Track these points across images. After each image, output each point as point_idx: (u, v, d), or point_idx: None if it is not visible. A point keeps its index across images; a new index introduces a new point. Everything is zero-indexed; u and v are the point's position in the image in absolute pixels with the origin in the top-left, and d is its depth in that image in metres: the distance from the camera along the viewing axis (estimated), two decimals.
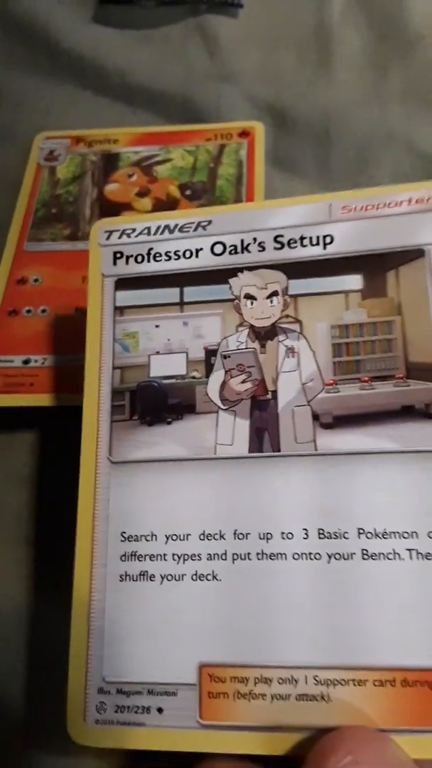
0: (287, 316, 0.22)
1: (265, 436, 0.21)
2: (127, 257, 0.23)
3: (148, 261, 0.23)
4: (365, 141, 0.35)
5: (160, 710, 0.19)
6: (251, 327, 0.22)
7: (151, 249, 0.23)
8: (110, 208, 0.33)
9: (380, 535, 0.19)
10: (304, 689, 0.19)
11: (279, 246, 0.23)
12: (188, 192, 0.33)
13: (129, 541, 0.21)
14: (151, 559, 0.21)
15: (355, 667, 0.19)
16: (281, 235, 0.23)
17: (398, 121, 0.35)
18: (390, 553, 0.19)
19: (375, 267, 0.22)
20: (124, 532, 0.21)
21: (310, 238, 0.22)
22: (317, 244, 0.22)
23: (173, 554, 0.21)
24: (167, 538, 0.21)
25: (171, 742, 0.19)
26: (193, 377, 0.22)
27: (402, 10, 0.38)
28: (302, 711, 0.19)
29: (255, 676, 0.19)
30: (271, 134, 0.37)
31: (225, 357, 0.22)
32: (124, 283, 0.23)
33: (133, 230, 0.24)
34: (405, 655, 0.19)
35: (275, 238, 0.23)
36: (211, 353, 0.22)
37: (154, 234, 0.24)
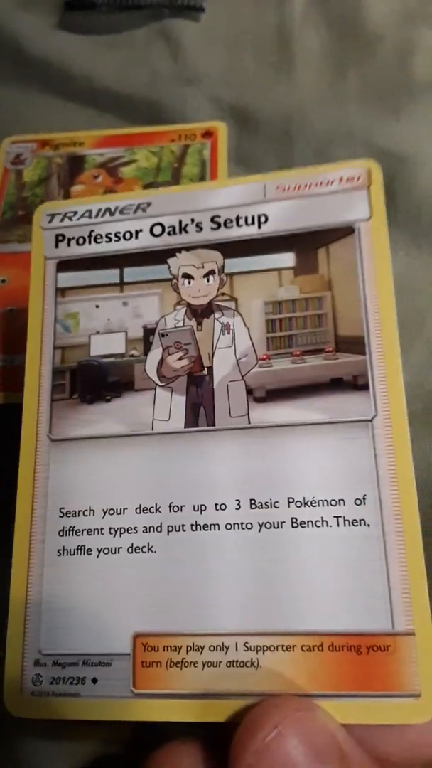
0: (223, 294, 0.23)
1: (201, 411, 0.22)
2: (69, 240, 0.24)
3: (89, 243, 0.24)
4: (326, 140, 0.36)
5: (94, 680, 0.20)
6: (188, 305, 0.23)
7: (92, 231, 0.24)
8: None
9: (309, 504, 0.20)
10: (234, 656, 0.19)
11: (216, 226, 0.23)
12: None
13: (67, 516, 0.21)
14: (88, 534, 0.21)
15: (283, 632, 0.19)
16: (218, 216, 0.23)
17: (357, 119, 0.36)
18: (318, 521, 0.20)
19: (307, 245, 0.22)
20: (63, 508, 0.21)
21: (246, 218, 0.23)
22: (252, 223, 0.23)
23: (110, 528, 0.21)
24: (105, 513, 0.21)
25: (105, 712, 0.20)
26: (132, 355, 0.23)
27: (360, 11, 0.39)
28: (233, 678, 0.19)
29: (187, 644, 0.20)
30: (234, 134, 0.38)
31: (163, 335, 0.22)
32: (65, 265, 0.24)
33: (75, 213, 0.24)
34: (332, 621, 0.19)
35: (212, 219, 0.23)
36: (149, 332, 0.23)
37: (96, 216, 0.24)
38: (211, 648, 0.20)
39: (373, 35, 0.39)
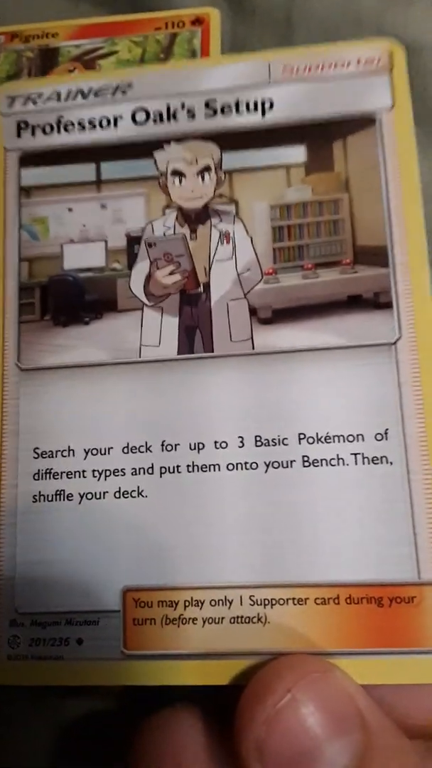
0: (221, 195, 0.20)
1: (196, 334, 0.19)
2: (34, 127, 0.20)
3: (59, 132, 0.20)
4: (331, 27, 0.31)
5: (79, 641, 0.18)
6: (180, 209, 0.19)
7: (61, 117, 0.20)
8: None
9: (323, 440, 0.18)
10: (239, 611, 0.17)
11: (211, 113, 0.20)
12: None
13: (43, 457, 0.19)
14: (68, 477, 0.19)
15: (294, 584, 0.17)
16: (213, 100, 0.20)
17: (367, 3, 0.32)
18: (333, 459, 0.18)
19: (320, 137, 0.19)
20: (37, 448, 0.19)
21: (247, 104, 0.20)
22: (255, 110, 0.20)
23: (93, 470, 0.19)
24: (86, 453, 0.19)
25: (93, 676, 0.18)
26: (114, 269, 0.20)
27: None
28: (238, 635, 0.17)
29: (185, 599, 0.18)
30: (228, 21, 0.34)
31: (150, 245, 0.19)
32: (30, 159, 0.20)
33: (40, 95, 0.21)
34: (350, 570, 0.17)
35: (207, 104, 0.20)
36: (133, 241, 0.19)
37: (65, 100, 0.20)
38: (213, 603, 0.18)
39: None
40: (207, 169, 0.20)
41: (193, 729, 0.18)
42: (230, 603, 0.18)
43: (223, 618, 0.18)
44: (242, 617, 0.18)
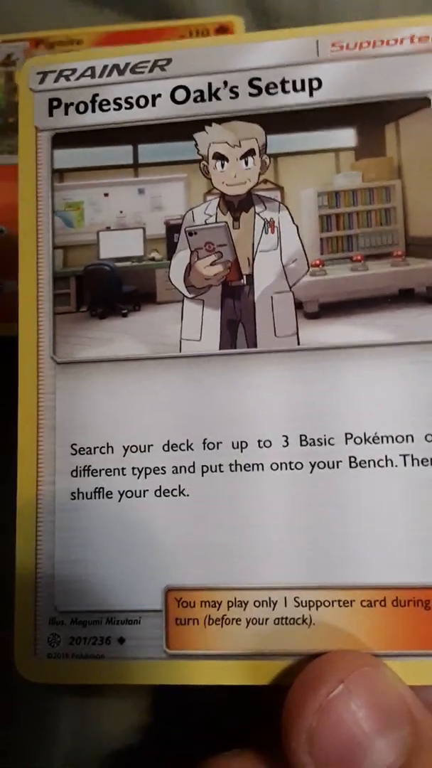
0: (266, 181, 0.19)
1: (239, 329, 0.19)
2: (67, 105, 0.20)
3: (93, 110, 0.20)
4: None
5: (121, 640, 0.18)
6: (222, 195, 0.19)
7: (96, 95, 0.20)
8: None
9: (371, 440, 0.18)
10: (283, 612, 0.18)
11: (255, 92, 0.20)
12: None
13: (81, 454, 0.19)
14: (107, 474, 0.19)
15: (340, 586, 0.18)
16: (258, 78, 0.20)
17: (392, 10, 0.32)
18: (381, 460, 0.18)
19: (371, 119, 0.19)
20: (75, 444, 0.19)
21: (293, 82, 0.19)
22: (302, 89, 0.19)
23: (133, 468, 0.19)
24: (125, 450, 0.19)
25: (134, 675, 0.19)
26: (153, 259, 0.20)
27: None
28: (282, 636, 0.18)
29: (228, 599, 0.18)
30: (252, 29, 0.35)
31: (191, 234, 0.19)
32: (63, 139, 0.20)
33: (73, 71, 0.20)
34: (397, 573, 0.18)
35: (250, 82, 0.20)
36: (173, 229, 0.20)
37: (100, 76, 0.20)
38: (257, 603, 0.18)
39: None
40: (251, 152, 0.20)
41: None
42: (274, 604, 0.19)
43: (267, 619, 0.19)
44: (287, 618, 0.19)
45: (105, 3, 0.37)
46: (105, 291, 0.21)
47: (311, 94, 0.20)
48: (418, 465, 0.19)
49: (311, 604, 0.19)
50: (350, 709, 0.17)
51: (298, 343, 0.20)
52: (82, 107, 0.21)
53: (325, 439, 0.19)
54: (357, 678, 0.17)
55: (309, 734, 0.17)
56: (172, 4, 0.36)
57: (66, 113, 0.21)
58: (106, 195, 0.21)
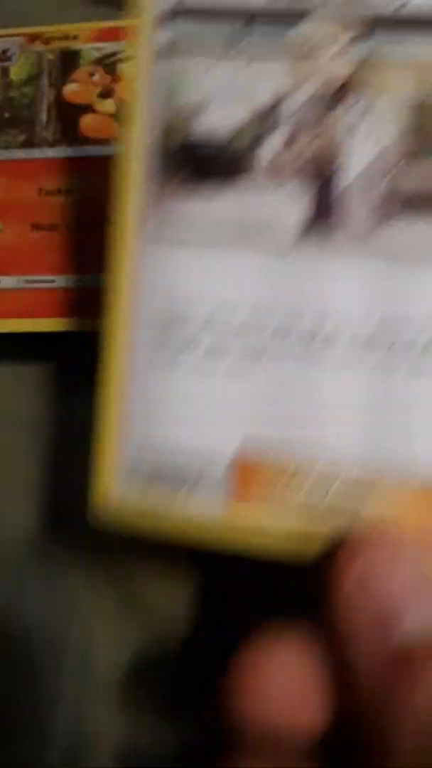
0: (363, 74, 0.20)
1: (329, 215, 0.19)
2: None
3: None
4: None
5: (189, 492, 0.20)
6: (320, 85, 0.20)
7: None
8: (70, 111, 0.34)
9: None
10: (343, 485, 0.19)
11: None
12: None
13: (168, 321, 0.20)
14: (190, 342, 0.20)
15: (399, 469, 0.19)
16: None
17: None
18: None
19: None
20: (163, 312, 0.20)
21: None
22: None
23: (213, 340, 0.20)
24: (210, 320, 0.20)
25: (199, 526, 0.20)
26: (250, 136, 0.20)
27: None
28: (340, 506, 0.19)
29: (293, 465, 0.20)
30: None
31: (289, 115, 0.19)
32: (169, 15, 0.20)
33: None
34: None
35: None
36: (269, 111, 0.20)
37: None
38: (319, 473, 0.20)
39: None
40: (346, 48, 0.21)
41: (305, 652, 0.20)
42: (335, 477, 0.20)
43: (327, 490, 0.20)
44: (346, 491, 0.20)
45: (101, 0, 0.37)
46: (203, 166, 0.22)
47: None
48: None
49: (367, 478, 0.20)
50: (393, 572, 0.18)
51: (383, 235, 0.20)
52: None
53: (396, 338, 0.20)
54: (402, 551, 0.19)
55: (360, 580, 0.18)
56: None
57: None
58: (208, 72, 0.22)
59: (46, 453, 0.31)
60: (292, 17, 0.22)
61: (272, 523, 0.20)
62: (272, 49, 0.22)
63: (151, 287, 0.22)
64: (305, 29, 0.21)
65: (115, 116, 0.33)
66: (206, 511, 0.21)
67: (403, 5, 0.21)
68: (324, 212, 0.21)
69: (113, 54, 0.35)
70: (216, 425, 0.21)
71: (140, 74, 0.22)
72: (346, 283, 0.21)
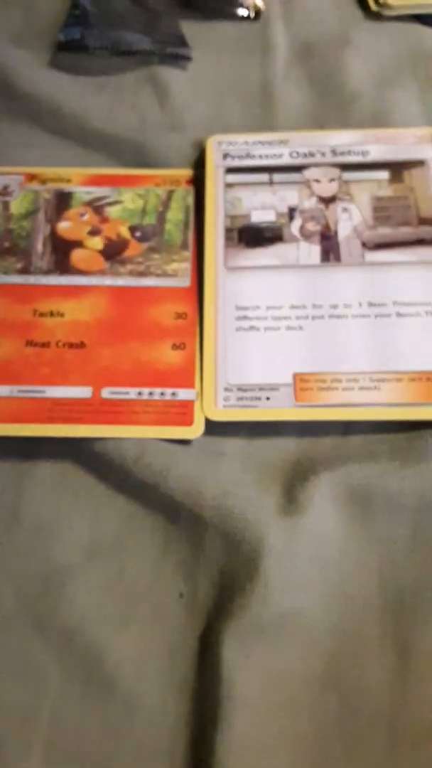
0: (343, 191, 0.38)
1: (330, 255, 0.36)
2: (233, 156, 0.39)
3: (247, 158, 0.39)
4: None
5: (268, 398, 0.32)
6: (319, 196, 0.38)
7: (248, 152, 0.39)
8: (62, 245, 0.39)
9: (407, 303, 0.34)
10: (363, 384, 0.33)
11: (334, 155, 0.39)
12: (138, 234, 0.39)
13: (241, 310, 0.35)
14: (257, 320, 0.34)
15: (396, 371, 0.33)
16: (336, 148, 0.39)
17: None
18: (414, 313, 0.34)
19: (396, 168, 0.38)
20: (238, 305, 0.35)
21: (355, 151, 0.39)
22: (359, 154, 0.39)
23: (272, 316, 0.35)
24: (268, 308, 0.35)
25: (276, 414, 0.32)
26: (281, 222, 0.37)
27: (340, 70, 0.46)
28: (363, 395, 0.32)
29: (330, 378, 0.33)
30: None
31: (302, 211, 0.37)
32: (231, 171, 0.39)
33: (236, 142, 0.40)
34: (427, 364, 0.32)
35: (333, 151, 0.39)
36: (292, 210, 0.37)
37: (250, 144, 0.39)
38: (347, 380, 0.33)
39: (350, 95, 0.45)
40: (333, 179, 0.39)
41: None
42: (357, 380, 0.33)
43: (354, 387, 0.33)
44: (365, 387, 0.33)
45: (94, 147, 0.43)
46: (254, 236, 0.38)
47: (364, 156, 0.40)
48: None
49: (379, 380, 0.34)
50: None
51: (364, 261, 0.37)
52: (240, 156, 0.41)
53: (382, 303, 0.36)
54: None
55: None
56: (150, 154, 0.42)
57: (233, 160, 0.41)
58: (254, 195, 0.39)
59: None
60: (297, 169, 0.41)
61: (320, 407, 0.33)
62: (289, 184, 0.41)
63: (229, 295, 0.37)
64: (305, 175, 0.40)
65: (102, 252, 0.38)
66: (281, 407, 0.33)
67: (364, 157, 0.40)
68: (328, 254, 0.38)
69: (101, 198, 0.39)
70: (279, 365, 0.34)
71: (216, 197, 0.40)
72: (346, 286, 0.36)
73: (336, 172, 0.41)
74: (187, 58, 0.46)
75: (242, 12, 0.48)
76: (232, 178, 0.41)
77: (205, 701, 0.29)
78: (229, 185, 0.41)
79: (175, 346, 0.35)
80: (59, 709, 0.29)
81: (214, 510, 0.31)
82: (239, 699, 0.28)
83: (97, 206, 0.39)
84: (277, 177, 0.41)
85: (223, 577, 0.31)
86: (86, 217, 0.39)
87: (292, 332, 0.36)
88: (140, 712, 0.29)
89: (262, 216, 0.40)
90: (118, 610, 0.31)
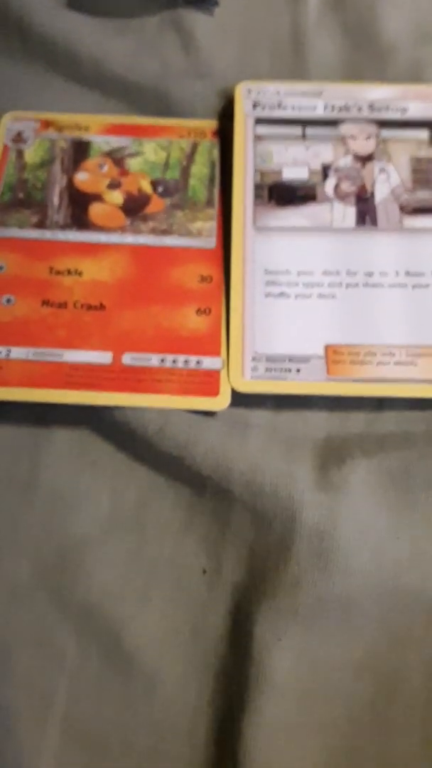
0: (380, 150, 0.36)
1: (366, 218, 0.34)
2: (263, 106, 0.37)
3: (278, 108, 0.37)
4: None
5: (298, 370, 0.31)
6: (355, 154, 0.35)
7: (280, 102, 0.37)
8: (80, 198, 0.36)
9: None
10: (399, 359, 0.31)
11: (372, 110, 0.37)
12: (160, 188, 0.37)
13: (270, 274, 0.33)
14: (287, 286, 0.33)
15: (429, 345, 0.31)
16: (374, 103, 0.37)
17: None
18: None
19: None
20: (267, 269, 0.34)
21: (393, 107, 0.37)
22: (397, 110, 0.36)
23: (303, 283, 0.33)
24: (298, 273, 0.33)
25: (307, 388, 0.30)
26: (314, 181, 0.35)
27: (375, 21, 0.44)
28: (398, 370, 0.30)
29: (364, 351, 0.31)
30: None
31: (336, 169, 0.35)
32: (260, 121, 0.36)
33: (267, 90, 0.37)
34: None
35: (370, 105, 0.37)
36: (326, 167, 0.35)
37: (282, 95, 0.37)
38: (382, 354, 0.31)
39: (387, 47, 0.43)
40: (369, 137, 0.37)
41: None
42: (393, 354, 0.32)
43: (389, 362, 0.32)
44: (401, 362, 0.32)
45: (112, 93, 0.40)
46: (285, 194, 0.36)
47: (403, 114, 0.38)
48: None
49: (416, 354, 0.32)
50: None
51: (402, 226, 0.35)
52: (271, 106, 0.38)
53: (419, 272, 0.34)
54: None
55: None
56: (174, 103, 0.40)
57: (263, 110, 0.38)
58: (286, 149, 0.37)
59: None
60: (331, 123, 0.39)
61: (352, 382, 0.32)
62: (323, 139, 0.38)
63: (257, 257, 0.35)
64: (341, 130, 0.38)
65: (122, 207, 0.36)
66: (312, 380, 0.32)
67: (403, 114, 0.38)
68: (363, 217, 0.36)
69: (121, 149, 0.37)
70: (310, 335, 0.33)
71: (246, 149, 0.38)
72: (383, 253, 0.35)
73: (373, 128, 0.39)
74: (215, 3, 0.43)
75: None
76: (262, 129, 0.39)
77: (232, 682, 0.28)
78: (258, 137, 0.39)
79: (199, 312, 0.34)
80: (77, 685, 0.29)
81: (243, 486, 0.30)
82: (270, 682, 0.27)
83: (116, 158, 0.37)
84: (311, 131, 0.39)
85: (252, 554, 0.30)
86: (106, 169, 0.37)
87: (325, 300, 0.35)
88: (160, 689, 0.29)
89: (294, 173, 0.38)
90: (138, 585, 0.30)
